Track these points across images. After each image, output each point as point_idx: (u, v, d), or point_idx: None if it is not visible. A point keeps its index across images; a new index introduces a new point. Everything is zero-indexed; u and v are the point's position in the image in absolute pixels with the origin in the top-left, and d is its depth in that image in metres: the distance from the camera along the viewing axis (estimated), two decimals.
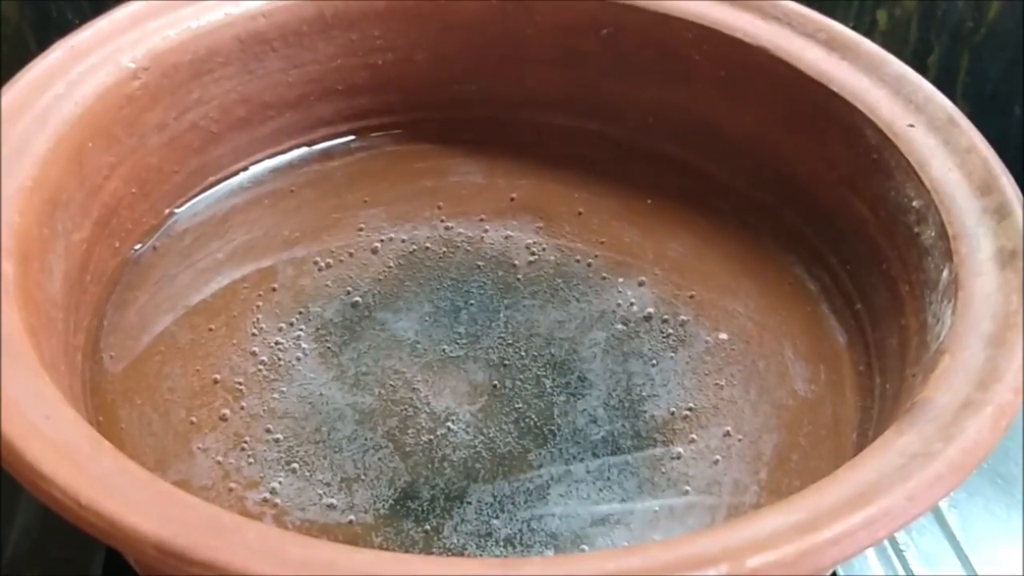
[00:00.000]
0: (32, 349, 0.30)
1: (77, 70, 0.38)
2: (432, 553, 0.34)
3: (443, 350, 0.40)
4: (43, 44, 0.55)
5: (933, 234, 0.36)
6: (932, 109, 0.38)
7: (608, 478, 0.36)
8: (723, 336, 0.40)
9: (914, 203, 0.37)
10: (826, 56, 0.41)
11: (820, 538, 0.25)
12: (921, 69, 0.58)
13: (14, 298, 0.31)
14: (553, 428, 0.37)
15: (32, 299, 0.33)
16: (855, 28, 0.43)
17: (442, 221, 0.44)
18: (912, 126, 0.38)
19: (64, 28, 0.54)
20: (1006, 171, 0.36)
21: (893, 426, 0.29)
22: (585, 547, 0.34)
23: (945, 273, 0.34)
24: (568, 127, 0.47)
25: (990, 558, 0.41)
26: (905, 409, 0.30)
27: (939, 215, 0.35)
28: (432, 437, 0.37)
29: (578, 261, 0.43)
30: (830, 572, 0.35)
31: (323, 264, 0.42)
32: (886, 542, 0.41)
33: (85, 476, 0.26)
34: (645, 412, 0.38)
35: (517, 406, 0.38)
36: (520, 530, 0.35)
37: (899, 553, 0.41)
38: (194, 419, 0.37)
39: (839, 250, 0.41)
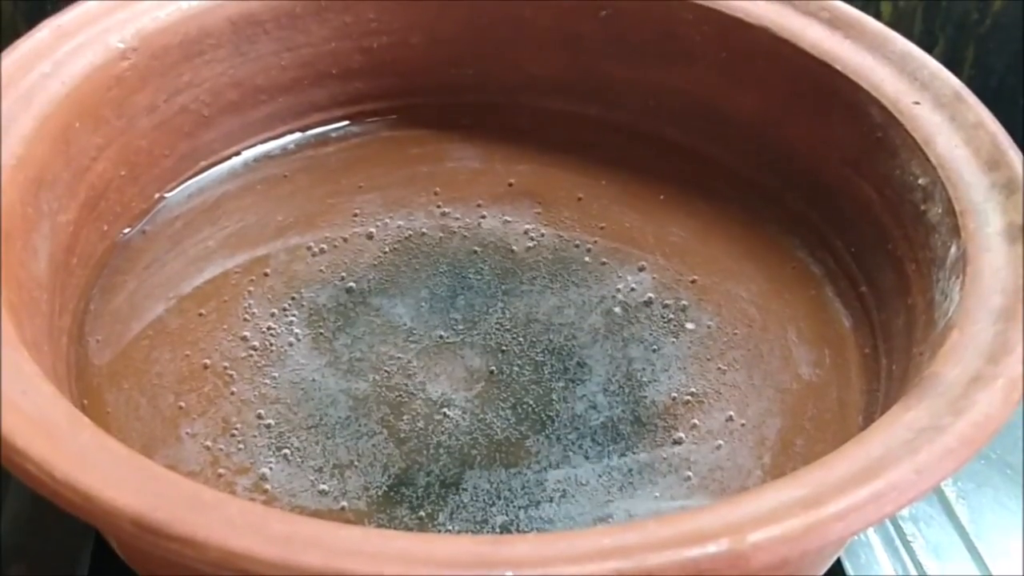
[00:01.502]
0: (12, 326, 0.29)
1: (64, 49, 0.37)
2: None
3: (439, 336, 0.39)
4: None
5: (940, 211, 0.35)
6: (938, 86, 0.38)
7: (608, 464, 0.35)
8: (725, 321, 0.39)
9: (920, 181, 0.36)
10: (829, 35, 0.40)
11: (825, 513, 0.24)
12: None
13: None
14: (552, 414, 0.36)
15: (15, 277, 0.32)
16: None
17: (439, 207, 0.43)
18: (918, 103, 0.37)
19: None
20: (1014, 146, 0.35)
21: (900, 401, 0.28)
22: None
23: (953, 249, 0.33)
24: (567, 111, 0.46)
25: (999, 549, 0.40)
26: (913, 384, 0.29)
27: (946, 192, 0.35)
28: (428, 423, 0.36)
29: (577, 246, 0.42)
30: (835, 558, 0.35)
31: (317, 250, 0.41)
32: (894, 533, 0.40)
33: (61, 451, 0.25)
34: (646, 397, 0.37)
35: (515, 392, 0.37)
36: (517, 517, 0.34)
37: (907, 544, 0.40)
38: (183, 404, 0.36)
39: (844, 232, 0.40)
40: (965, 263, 0.32)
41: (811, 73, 0.40)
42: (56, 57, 0.37)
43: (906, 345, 0.34)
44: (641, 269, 0.41)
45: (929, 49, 0.64)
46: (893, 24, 0.63)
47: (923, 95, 0.38)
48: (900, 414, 0.28)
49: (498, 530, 0.33)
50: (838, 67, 0.39)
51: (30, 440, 0.25)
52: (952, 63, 0.64)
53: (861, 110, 0.39)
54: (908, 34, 0.63)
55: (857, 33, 0.40)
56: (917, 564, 0.39)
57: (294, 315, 0.39)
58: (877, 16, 0.63)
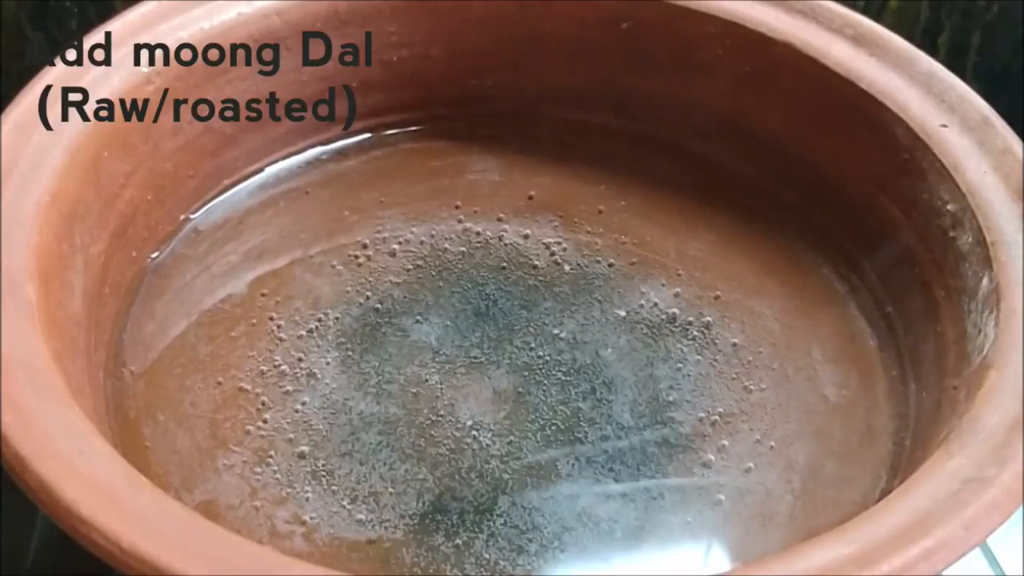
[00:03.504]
0: (60, 377, 0.29)
1: (91, 76, 0.37)
2: (465, 570, 0.33)
3: (465, 356, 0.39)
4: (40, 33, 0.54)
5: (970, 240, 0.35)
6: (966, 109, 0.38)
7: (638, 487, 0.35)
8: (749, 338, 0.39)
9: (949, 206, 0.36)
10: (854, 52, 0.40)
11: (878, 572, 0.25)
12: (932, 48, 0.58)
13: (38, 323, 0.30)
14: (580, 436, 0.37)
15: (55, 321, 0.32)
16: (866, 7, 0.42)
17: (460, 221, 0.43)
18: (945, 126, 0.37)
19: (62, 17, 0.53)
20: None
21: (942, 447, 0.29)
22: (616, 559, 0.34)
23: (985, 281, 0.34)
24: (587, 123, 0.46)
25: (1014, 553, 0.41)
26: (952, 427, 0.29)
27: (976, 220, 0.35)
28: (458, 446, 0.36)
29: (599, 261, 0.42)
30: None
31: (341, 268, 0.41)
32: None
33: (125, 517, 0.25)
34: (673, 418, 0.37)
35: (543, 414, 0.37)
36: (551, 543, 0.34)
37: None
38: (218, 434, 0.36)
39: (868, 251, 0.40)
40: (999, 298, 0.32)
41: (835, 91, 0.40)
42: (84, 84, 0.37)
43: (937, 375, 0.34)
44: (663, 284, 0.41)
45: (936, 35, 0.64)
46: (900, 10, 0.63)
47: (950, 118, 0.38)
48: (943, 461, 0.28)
49: (534, 555, 0.34)
50: (863, 86, 0.39)
51: (94, 509, 0.25)
52: (958, 49, 0.64)
53: (886, 130, 0.39)
54: (914, 20, 0.63)
55: (882, 51, 0.40)
56: None
57: (321, 337, 0.39)
58: (884, 3, 0.63)
